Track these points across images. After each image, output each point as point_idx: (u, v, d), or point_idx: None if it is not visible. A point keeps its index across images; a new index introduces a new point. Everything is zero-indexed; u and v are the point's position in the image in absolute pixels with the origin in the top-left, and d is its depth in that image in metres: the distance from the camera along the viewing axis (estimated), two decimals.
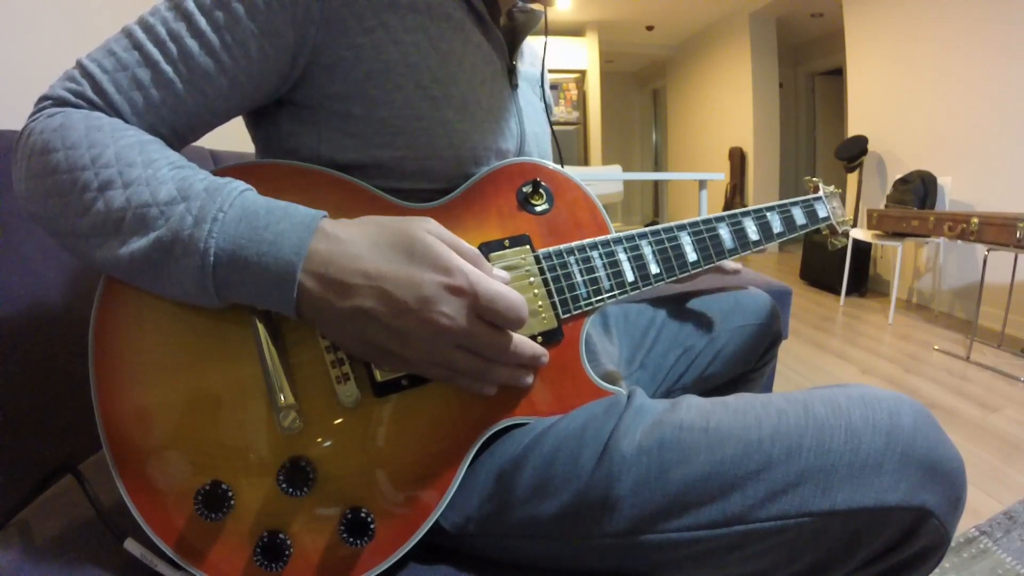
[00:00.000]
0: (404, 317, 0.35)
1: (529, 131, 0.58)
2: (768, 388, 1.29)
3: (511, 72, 0.56)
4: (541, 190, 0.51)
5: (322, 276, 0.35)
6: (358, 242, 0.37)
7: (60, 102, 0.39)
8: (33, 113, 0.39)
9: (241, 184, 0.38)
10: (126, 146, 0.37)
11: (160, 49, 0.40)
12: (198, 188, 0.36)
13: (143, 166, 0.36)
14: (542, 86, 0.67)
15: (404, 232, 0.38)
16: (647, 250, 0.54)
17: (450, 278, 0.36)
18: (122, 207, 0.35)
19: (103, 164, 0.36)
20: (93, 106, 0.39)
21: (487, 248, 0.47)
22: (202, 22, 0.40)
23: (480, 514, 0.44)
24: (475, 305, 0.37)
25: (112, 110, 0.40)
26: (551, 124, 0.68)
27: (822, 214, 0.71)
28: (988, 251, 2.11)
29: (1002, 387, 1.92)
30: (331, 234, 0.37)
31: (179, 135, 0.43)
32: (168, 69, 0.40)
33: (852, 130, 3.64)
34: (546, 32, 0.64)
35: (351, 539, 0.38)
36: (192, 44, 0.40)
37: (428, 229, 0.38)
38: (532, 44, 0.70)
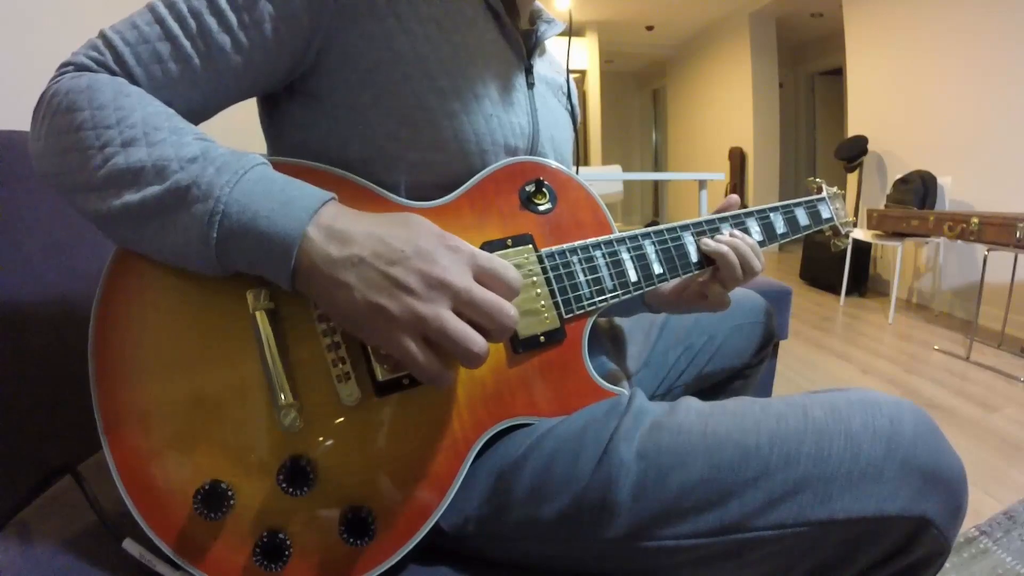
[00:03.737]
0: (400, 266, 0.35)
1: (544, 132, 0.57)
2: (768, 388, 1.29)
3: (528, 72, 0.56)
4: (544, 190, 0.51)
5: (328, 227, 0.36)
6: (364, 217, 0.38)
7: (81, 68, 0.40)
8: (55, 77, 0.40)
9: (260, 157, 0.39)
10: (153, 113, 0.38)
11: (180, 24, 0.41)
12: (221, 151, 0.37)
13: (169, 131, 0.37)
14: (568, 95, 0.67)
15: (403, 214, 0.39)
16: (650, 250, 0.54)
17: (446, 240, 0.37)
18: (142, 159, 0.36)
19: (129, 125, 0.36)
20: (113, 75, 0.40)
21: (489, 247, 0.47)
22: (222, 1, 0.41)
23: (479, 515, 0.44)
24: (472, 262, 0.37)
25: (131, 81, 0.40)
26: (576, 131, 0.68)
27: (825, 215, 0.70)
28: (988, 251, 2.11)
29: (1002, 387, 1.92)
30: (342, 207, 0.38)
31: (192, 112, 0.44)
32: (187, 44, 0.41)
33: (852, 130, 3.64)
34: (569, 37, 0.64)
35: (351, 539, 0.38)
36: (211, 21, 0.41)
37: (427, 219, 0.39)
38: (556, 53, 0.69)
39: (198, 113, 0.45)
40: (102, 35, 0.41)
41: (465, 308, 0.36)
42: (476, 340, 0.35)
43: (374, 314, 0.35)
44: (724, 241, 0.56)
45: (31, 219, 0.57)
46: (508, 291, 0.38)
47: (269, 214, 0.35)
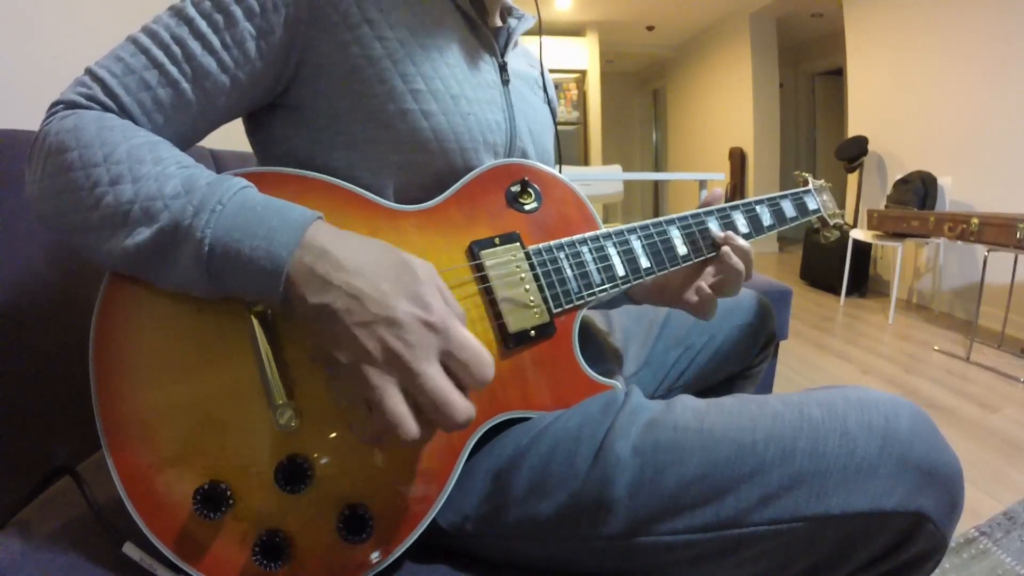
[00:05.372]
0: (367, 329, 0.34)
1: (522, 127, 0.58)
2: (768, 388, 1.29)
3: (502, 69, 0.57)
4: (530, 189, 0.52)
5: (310, 270, 0.35)
6: (355, 252, 0.36)
7: (72, 105, 0.40)
8: (46, 118, 0.40)
9: (242, 181, 0.38)
10: (137, 145, 0.38)
11: (165, 52, 0.41)
12: (201, 183, 0.37)
13: (152, 163, 0.37)
14: (544, 88, 0.67)
15: (402, 262, 0.37)
16: (636, 244, 0.55)
17: (426, 314, 0.35)
18: (130, 200, 0.36)
19: (115, 161, 0.36)
20: (104, 108, 0.41)
21: (478, 246, 0.47)
22: (203, 25, 0.42)
23: (477, 513, 0.44)
24: (444, 347, 0.35)
25: (122, 111, 0.41)
26: (555, 124, 0.68)
27: (812, 206, 0.71)
28: (988, 251, 2.11)
29: (1002, 387, 1.92)
30: (329, 235, 0.37)
31: (184, 137, 0.44)
32: (173, 70, 0.41)
33: (852, 130, 3.64)
34: (540, 33, 0.64)
35: (350, 536, 0.38)
36: (194, 45, 0.42)
37: (428, 272, 0.37)
38: (531, 49, 0.70)
39: (189, 138, 0.45)
40: (88, 71, 0.41)
41: (415, 392, 0.34)
42: (406, 429, 0.33)
43: (332, 362, 0.35)
44: (739, 254, 0.57)
45: (31, 219, 0.57)
46: (473, 383, 0.35)
47: (251, 251, 0.35)
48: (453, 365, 0.35)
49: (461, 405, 0.34)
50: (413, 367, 0.33)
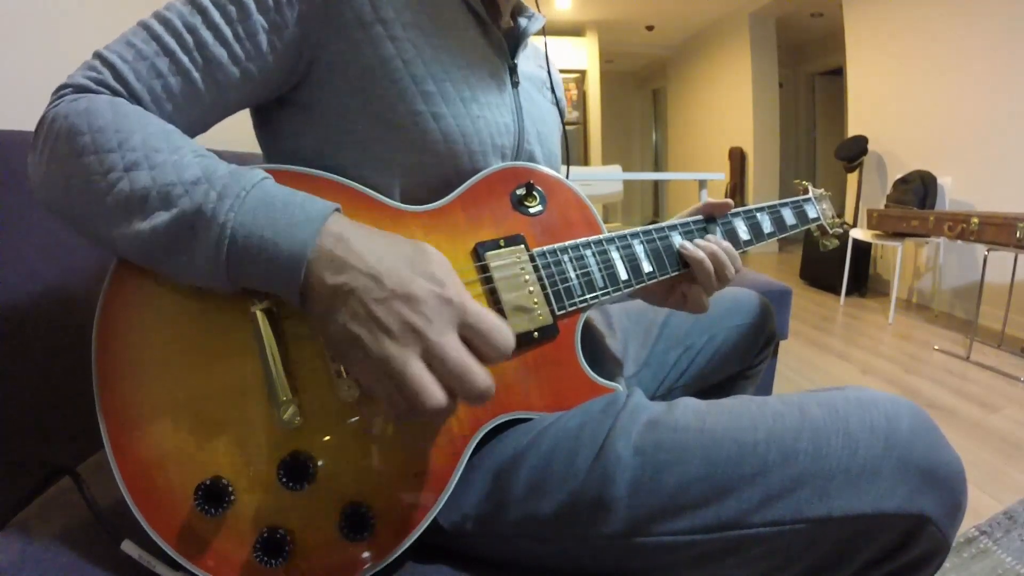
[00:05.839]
0: (385, 305, 0.34)
1: (531, 129, 0.58)
2: (768, 388, 1.29)
3: (512, 71, 0.57)
4: (535, 192, 0.52)
5: (329, 253, 0.35)
6: (371, 238, 0.37)
7: (80, 89, 0.39)
8: (53, 101, 0.39)
9: (261, 172, 0.38)
10: (152, 133, 0.37)
11: (177, 40, 0.41)
12: (222, 171, 0.37)
13: (169, 151, 0.37)
14: (552, 90, 0.67)
15: (415, 246, 0.38)
16: (639, 249, 0.55)
17: (441, 289, 0.35)
18: (147, 186, 0.35)
19: (130, 147, 0.36)
20: (114, 93, 0.40)
21: (483, 248, 0.47)
22: (216, 15, 0.42)
23: (478, 513, 0.44)
24: (462, 319, 0.35)
25: (133, 98, 0.40)
26: (563, 126, 0.69)
27: (811, 215, 0.72)
28: (988, 251, 2.11)
29: (1002, 387, 1.92)
30: (346, 225, 0.37)
31: (191, 126, 0.44)
32: (185, 59, 0.41)
33: (852, 130, 3.64)
34: (545, 34, 0.64)
35: (351, 535, 0.38)
36: (207, 35, 0.41)
37: (440, 256, 0.38)
38: (541, 48, 0.70)
39: (196, 130, 0.45)
40: (98, 55, 0.40)
41: (434, 362, 0.34)
42: (432, 396, 0.33)
43: (351, 343, 0.35)
44: (702, 247, 0.57)
45: (31, 219, 0.57)
46: (495, 353, 0.36)
47: (273, 237, 0.35)
48: (472, 336, 0.35)
49: (481, 373, 0.35)
50: (432, 338, 0.34)
